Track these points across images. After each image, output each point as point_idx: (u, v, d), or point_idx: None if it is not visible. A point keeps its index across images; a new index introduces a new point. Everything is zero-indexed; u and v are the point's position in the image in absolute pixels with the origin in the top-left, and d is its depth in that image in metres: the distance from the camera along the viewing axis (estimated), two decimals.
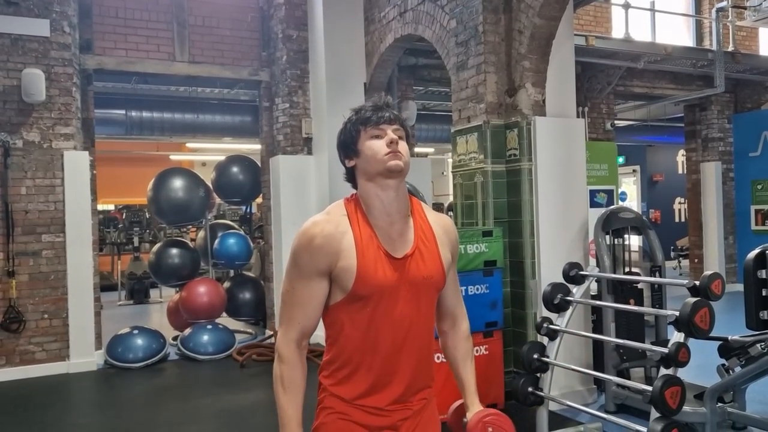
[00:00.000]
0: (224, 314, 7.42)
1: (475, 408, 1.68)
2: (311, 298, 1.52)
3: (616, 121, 9.57)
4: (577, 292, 3.87)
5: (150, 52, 6.81)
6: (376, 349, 1.52)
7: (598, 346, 4.59)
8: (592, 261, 4.84)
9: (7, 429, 4.52)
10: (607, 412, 4.11)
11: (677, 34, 9.84)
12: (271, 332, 6.97)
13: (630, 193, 14.05)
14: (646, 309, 4.40)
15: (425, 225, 1.61)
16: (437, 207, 13.54)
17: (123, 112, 7.69)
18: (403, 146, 1.53)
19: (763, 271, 3.63)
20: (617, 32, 8.96)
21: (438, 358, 4.18)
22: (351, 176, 1.59)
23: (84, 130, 6.46)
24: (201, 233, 8.18)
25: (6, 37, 5.90)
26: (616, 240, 4.67)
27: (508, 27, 4.77)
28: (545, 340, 3.80)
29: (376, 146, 1.51)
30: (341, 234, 1.51)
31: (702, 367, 4.08)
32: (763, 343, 3.56)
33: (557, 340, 3.74)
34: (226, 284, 7.73)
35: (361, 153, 1.53)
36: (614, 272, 4.51)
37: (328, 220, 1.53)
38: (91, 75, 6.65)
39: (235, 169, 7.81)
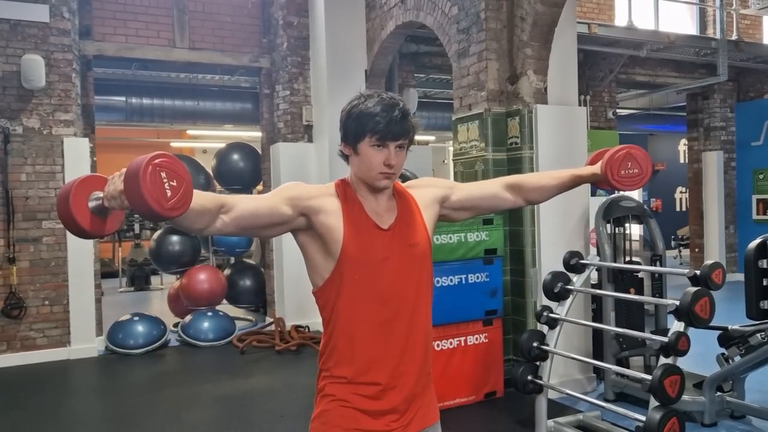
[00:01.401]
0: (224, 301, 7.43)
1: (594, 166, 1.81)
2: (265, 201, 1.49)
3: (618, 110, 9.54)
4: (577, 280, 3.87)
5: (150, 38, 6.77)
6: (369, 319, 1.54)
7: (597, 335, 4.60)
8: (593, 250, 4.83)
9: (8, 414, 4.55)
10: (606, 400, 4.13)
11: (680, 22, 9.78)
12: (272, 319, 6.99)
13: None
14: (647, 298, 4.40)
15: (407, 196, 1.66)
16: None
17: (123, 98, 7.65)
18: (399, 160, 1.55)
19: (764, 261, 3.64)
20: (620, 20, 8.90)
21: (439, 345, 4.21)
22: (345, 157, 1.62)
23: (84, 117, 6.44)
24: None
25: (5, 22, 5.86)
26: (616, 229, 4.66)
27: (510, 14, 4.73)
28: (545, 328, 3.80)
29: (374, 158, 1.52)
30: (329, 195, 1.57)
31: (701, 356, 4.09)
32: (763, 333, 3.57)
33: (557, 329, 3.74)
34: (227, 271, 7.73)
35: (359, 155, 1.55)
36: (615, 261, 4.51)
37: (318, 185, 1.64)
38: (91, 61, 6.62)
39: (235, 157, 7.79)
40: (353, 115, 1.54)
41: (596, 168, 1.80)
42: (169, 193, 1.24)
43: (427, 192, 1.71)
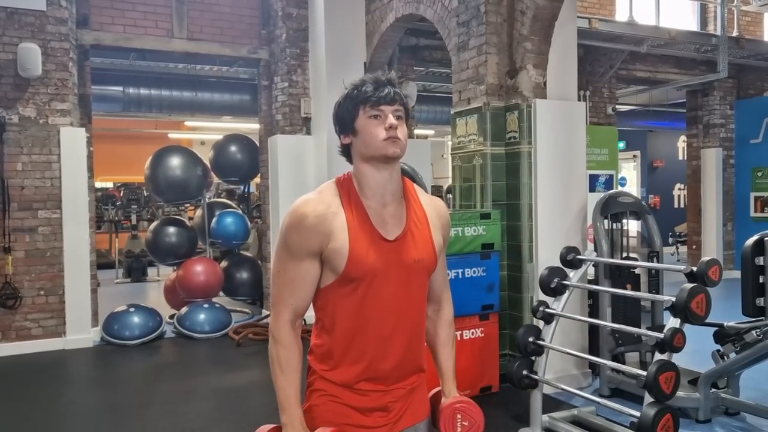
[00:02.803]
0: (221, 293, 7.43)
1: (451, 394, 1.68)
2: (302, 279, 1.50)
3: (617, 106, 9.52)
4: (574, 276, 3.86)
5: (148, 28, 6.73)
6: (367, 331, 1.51)
7: (593, 331, 4.60)
8: (590, 245, 4.82)
9: (2, 404, 4.54)
10: (601, 396, 4.13)
11: (681, 18, 9.75)
12: (268, 312, 6.98)
13: (630, 178, 14.03)
14: (643, 294, 4.39)
15: (418, 207, 1.59)
16: (436, 190, 13.51)
17: (120, 88, 7.63)
18: (402, 129, 1.49)
19: (761, 258, 3.63)
20: (621, 15, 8.87)
21: None
22: (346, 152, 1.56)
23: (81, 107, 6.40)
24: (198, 212, 8.15)
25: (2, 10, 5.82)
26: (614, 225, 4.65)
27: (510, 7, 4.71)
28: (541, 323, 3.79)
29: (374, 129, 1.47)
30: (333, 214, 1.48)
31: (697, 353, 4.10)
32: (758, 330, 3.56)
33: (553, 324, 3.74)
34: (223, 263, 7.72)
35: (358, 133, 1.49)
36: (612, 257, 4.50)
37: (320, 200, 1.50)
38: (88, 50, 6.58)
39: (233, 149, 7.77)
40: (343, 100, 1.53)
41: (444, 401, 1.66)
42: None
43: (440, 223, 1.63)
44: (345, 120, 1.51)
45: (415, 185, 1.64)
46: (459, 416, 1.61)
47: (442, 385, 1.70)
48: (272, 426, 1.53)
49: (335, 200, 1.51)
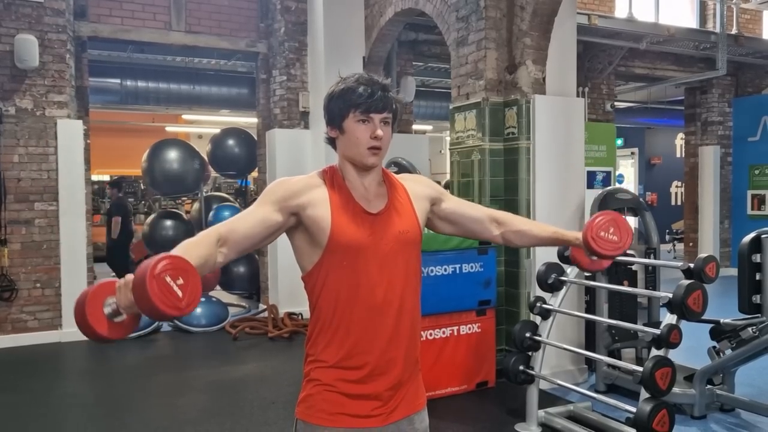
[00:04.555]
0: (218, 287, 7.42)
1: (576, 233, 1.74)
2: (254, 216, 1.51)
3: (616, 103, 9.51)
4: (571, 272, 3.86)
5: (146, 21, 6.70)
6: (356, 304, 1.52)
7: (590, 327, 4.60)
8: None
9: None
10: (597, 391, 4.13)
11: (681, 15, 9.73)
12: (265, 306, 6.98)
13: (627, 175, 14.04)
14: (640, 290, 4.40)
15: (398, 186, 1.65)
16: None
17: (118, 81, 7.60)
18: (386, 135, 1.55)
19: (758, 256, 3.64)
20: (620, 12, 8.85)
21: (432, 335, 4.21)
22: (332, 143, 1.62)
23: (78, 99, 6.38)
24: (195, 205, 8.14)
25: None
26: None
27: (510, 3, 4.69)
28: (538, 319, 3.80)
29: (360, 134, 1.53)
30: (314, 186, 1.55)
31: (692, 349, 4.10)
32: (754, 327, 3.57)
33: (550, 320, 3.74)
34: None
35: (345, 132, 1.55)
36: None
37: (303, 176, 1.60)
38: (86, 42, 6.55)
39: (230, 142, 7.75)
40: (336, 95, 1.56)
41: (579, 234, 1.73)
42: (180, 293, 1.23)
43: (420, 188, 1.70)
44: (334, 116, 1.57)
45: (393, 174, 1.70)
46: (612, 229, 1.65)
47: (561, 235, 1.76)
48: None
49: (318, 179, 1.58)
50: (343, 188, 1.56)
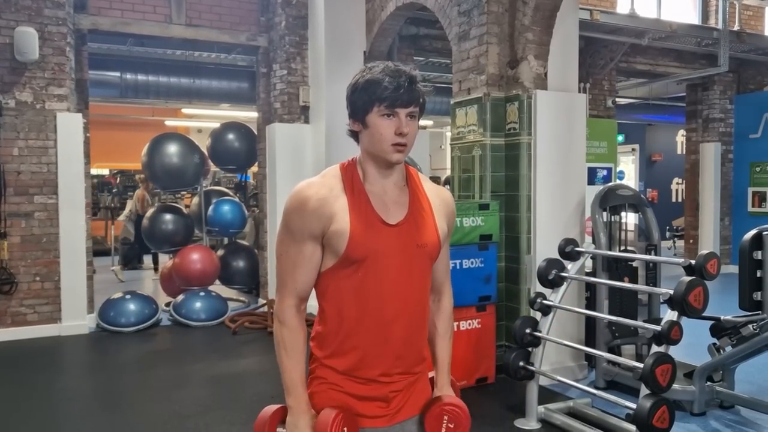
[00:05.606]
0: (217, 282, 7.41)
1: (444, 390, 1.65)
2: (304, 262, 1.49)
3: (617, 99, 9.49)
4: (572, 268, 3.86)
5: (146, 14, 6.67)
6: (367, 316, 1.49)
7: (590, 323, 4.60)
8: (588, 238, 4.82)
9: None
10: (597, 388, 4.13)
11: (683, 11, 9.70)
12: (264, 300, 6.97)
13: (628, 172, 14.03)
14: (641, 287, 4.40)
15: (421, 194, 1.57)
16: (434, 180, 13.46)
17: (118, 74, 7.57)
18: (412, 130, 1.47)
19: (759, 253, 3.63)
20: (622, 8, 8.82)
21: None
22: (354, 136, 1.54)
23: (78, 92, 6.35)
24: (195, 200, 8.13)
25: None
26: (613, 217, 4.64)
27: None
28: (538, 315, 3.80)
29: (385, 129, 1.45)
30: (334, 198, 1.47)
31: (692, 346, 4.10)
32: (755, 324, 3.57)
33: (550, 316, 3.74)
34: (220, 252, 7.70)
35: (369, 127, 1.47)
36: (610, 250, 4.49)
37: (323, 183, 1.50)
38: (86, 35, 6.52)
39: (230, 137, 7.73)
40: (360, 86, 1.47)
41: (438, 393, 1.64)
42: None
43: (444, 209, 1.61)
44: (357, 109, 1.49)
45: (420, 173, 1.63)
46: (446, 418, 1.59)
47: (436, 377, 1.67)
48: (278, 406, 1.55)
49: (338, 184, 1.50)
50: (362, 194, 1.49)
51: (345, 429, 1.44)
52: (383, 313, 1.49)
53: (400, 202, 1.53)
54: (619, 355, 4.30)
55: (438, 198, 1.61)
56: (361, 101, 1.46)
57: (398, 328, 1.51)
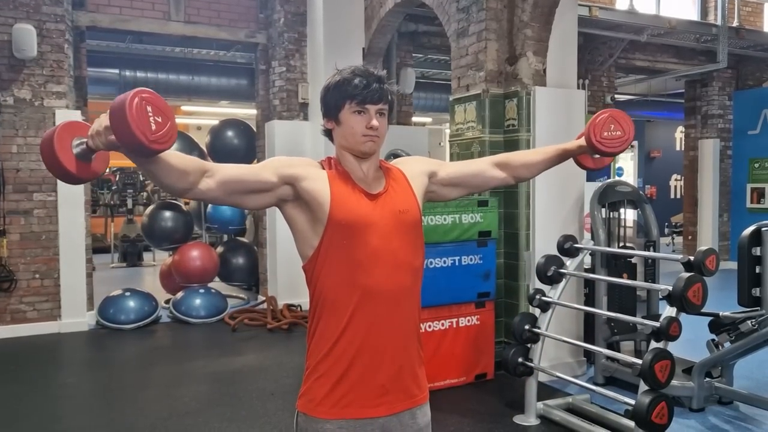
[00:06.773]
0: (217, 279, 7.42)
1: (580, 141, 1.79)
2: (249, 167, 1.54)
3: (616, 95, 9.49)
4: (570, 264, 3.86)
5: (145, 11, 6.66)
6: (354, 282, 1.51)
7: (589, 319, 4.61)
8: (587, 235, 4.82)
9: None
10: (595, 384, 4.14)
11: (682, 7, 9.70)
12: (264, 298, 6.98)
13: (627, 168, 14.01)
14: (640, 283, 4.40)
15: (393, 169, 1.67)
16: None
17: (117, 71, 7.55)
18: (382, 125, 1.56)
19: (758, 249, 3.63)
20: (621, 4, 8.82)
21: (431, 327, 4.21)
22: (328, 135, 1.63)
23: (77, 89, 6.35)
24: None
25: None
26: (611, 214, 4.65)
27: None
28: (537, 311, 3.80)
29: (356, 123, 1.54)
30: (313, 165, 1.57)
31: (691, 342, 4.11)
32: (753, 320, 3.57)
33: (549, 312, 3.74)
34: (219, 249, 7.71)
35: (341, 124, 1.56)
36: (609, 246, 4.50)
37: (302, 158, 1.63)
38: (84, 32, 6.51)
39: (229, 134, 7.73)
40: (332, 86, 1.56)
41: (582, 140, 1.80)
42: (154, 126, 1.25)
43: (415, 165, 1.72)
44: (330, 108, 1.57)
45: (389, 162, 1.72)
46: (612, 126, 1.71)
47: (572, 148, 1.81)
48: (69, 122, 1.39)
49: (315, 163, 1.60)
50: (342, 171, 1.58)
51: (149, 108, 1.25)
52: (368, 278, 1.51)
53: (378, 179, 1.61)
54: (618, 351, 4.31)
55: (406, 163, 1.71)
56: (334, 100, 1.56)
57: (385, 293, 1.53)
